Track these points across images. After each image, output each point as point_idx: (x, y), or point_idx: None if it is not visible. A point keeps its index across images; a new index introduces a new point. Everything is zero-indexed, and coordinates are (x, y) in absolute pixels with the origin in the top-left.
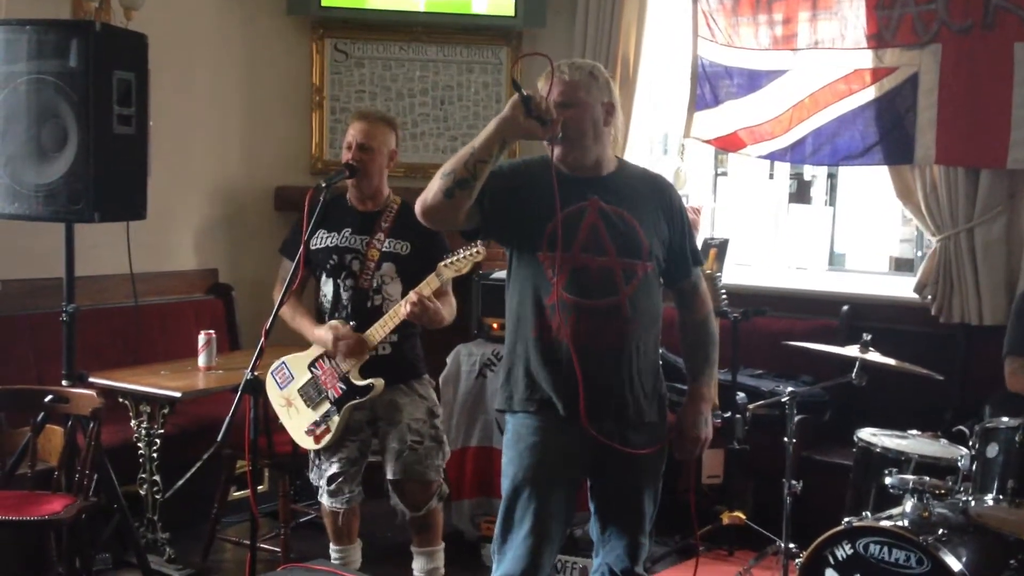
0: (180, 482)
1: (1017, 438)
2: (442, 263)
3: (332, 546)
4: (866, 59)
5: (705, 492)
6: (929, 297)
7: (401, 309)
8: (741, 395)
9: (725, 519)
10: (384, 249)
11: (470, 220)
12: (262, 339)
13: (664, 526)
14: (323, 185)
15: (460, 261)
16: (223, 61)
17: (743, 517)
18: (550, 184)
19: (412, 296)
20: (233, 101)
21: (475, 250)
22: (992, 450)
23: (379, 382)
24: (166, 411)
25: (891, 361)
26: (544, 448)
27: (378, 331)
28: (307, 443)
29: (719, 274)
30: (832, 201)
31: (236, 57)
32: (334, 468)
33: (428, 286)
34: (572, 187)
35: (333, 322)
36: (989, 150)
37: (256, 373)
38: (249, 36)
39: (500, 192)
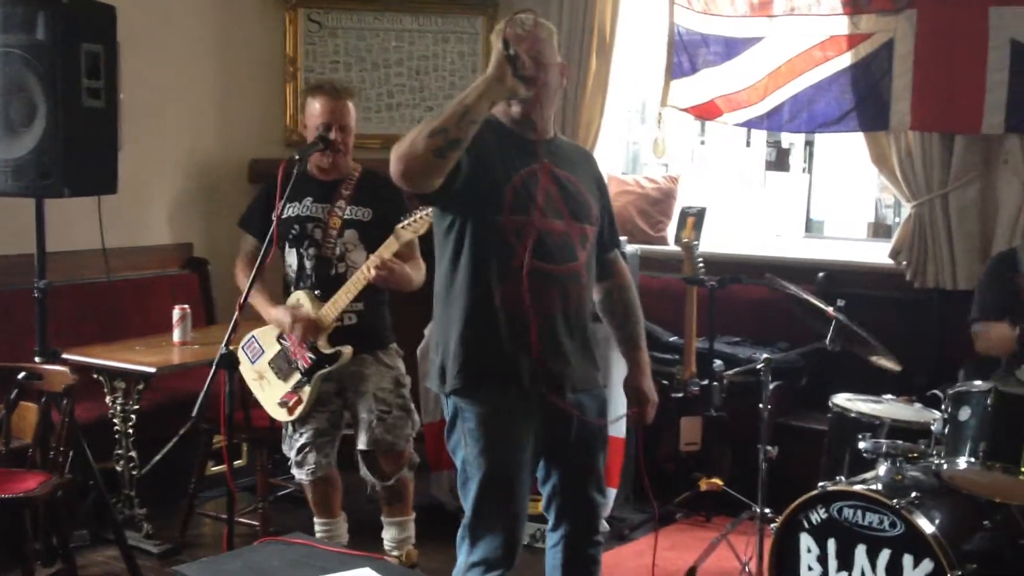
0: (156, 458)
1: (988, 401)
2: (399, 225)
3: (316, 519)
4: (842, 25)
5: (683, 459)
6: (904, 263)
7: (364, 273)
8: (718, 363)
9: (703, 486)
10: (346, 216)
11: (443, 183)
12: (236, 313)
13: (642, 493)
14: (296, 158)
15: (417, 222)
16: (195, 33)
17: (720, 483)
18: (502, 146)
19: (374, 260)
20: (206, 73)
21: (431, 210)
22: (964, 413)
23: (347, 349)
24: (141, 387)
25: (862, 332)
26: (511, 435)
27: (337, 304)
28: (281, 415)
29: (696, 242)
30: (811, 168)
31: (208, 28)
32: (303, 439)
33: (387, 249)
34: (524, 148)
35: (294, 297)
36: (964, 116)
37: (231, 347)
38: (221, 7)
39: (465, 156)
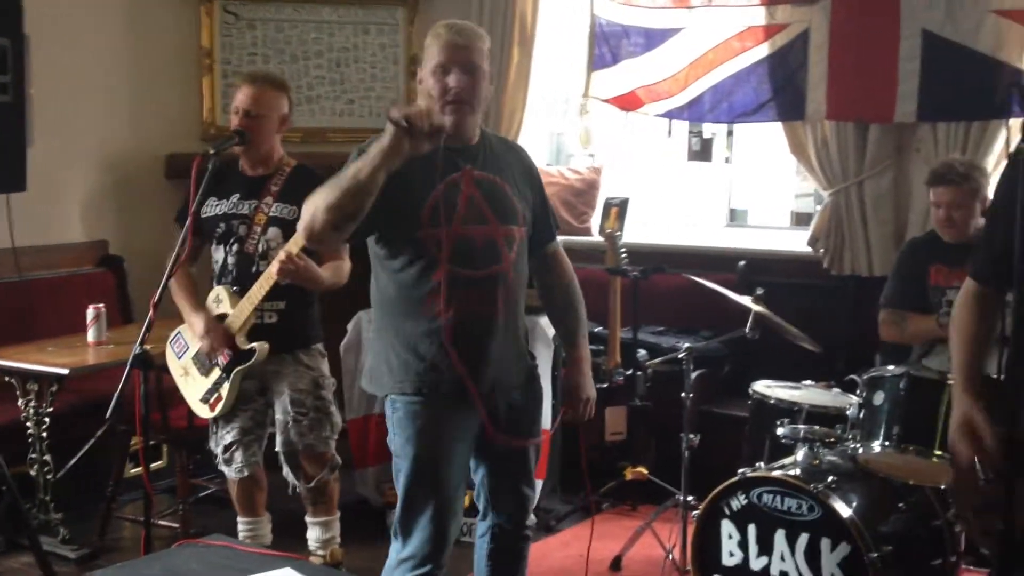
0: (72, 461)
1: (901, 386)
2: None
3: (240, 519)
4: (759, 16)
5: (608, 449)
6: (822, 250)
7: (272, 269)
8: (642, 352)
9: (628, 475)
10: (271, 214)
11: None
12: (151, 312)
13: (569, 484)
14: (210, 153)
15: None
16: (107, 24)
17: (645, 472)
18: (421, 161)
19: (281, 254)
20: (119, 66)
21: None
22: (878, 398)
23: (263, 346)
24: (55, 389)
25: (779, 320)
26: (439, 424)
27: (251, 299)
28: (203, 411)
29: (619, 233)
30: (734, 158)
31: (121, 20)
32: (228, 437)
33: (295, 244)
34: (446, 159)
35: (214, 293)
36: (877, 105)
37: (146, 347)
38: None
39: (377, 197)
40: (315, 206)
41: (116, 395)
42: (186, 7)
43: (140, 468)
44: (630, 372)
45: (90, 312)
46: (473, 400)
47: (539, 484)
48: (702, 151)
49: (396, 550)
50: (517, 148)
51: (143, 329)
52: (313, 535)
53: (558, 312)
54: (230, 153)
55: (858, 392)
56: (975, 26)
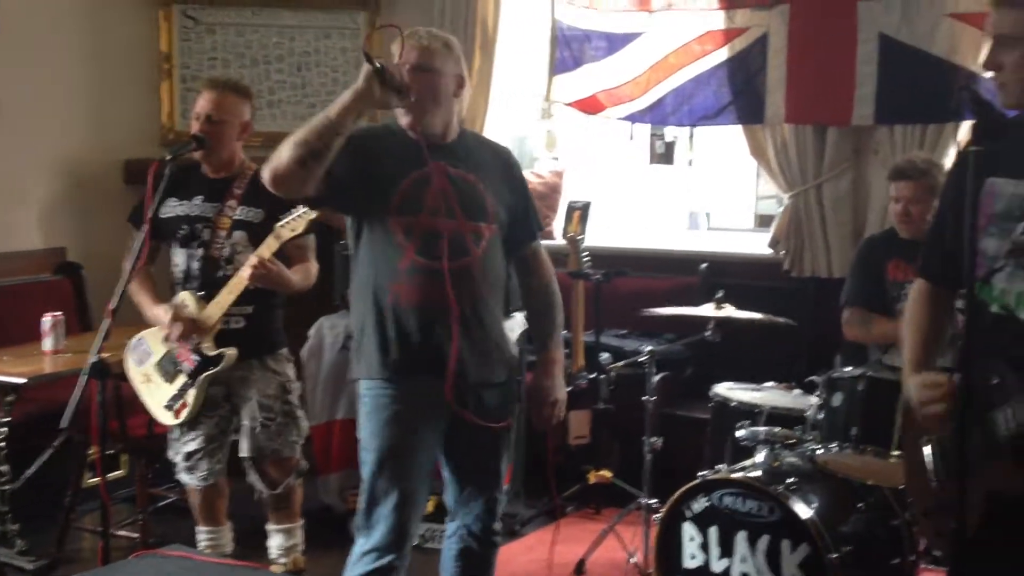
0: (29, 471)
1: (860, 387)
2: (278, 224)
3: (199, 528)
4: (718, 20)
5: (572, 452)
6: (783, 252)
7: (243, 273)
8: (605, 355)
9: (592, 478)
10: (236, 217)
11: (318, 188)
12: (107, 320)
13: (533, 488)
14: (167, 158)
15: (295, 220)
16: (65, 30)
17: (609, 476)
18: (397, 149)
19: (252, 259)
20: (77, 71)
21: (307, 208)
22: (837, 399)
23: (231, 351)
24: (11, 398)
25: (745, 314)
26: (404, 418)
27: (220, 304)
28: (167, 419)
29: (582, 237)
30: (697, 162)
31: (79, 25)
32: (192, 445)
33: (268, 248)
34: (419, 152)
35: (178, 297)
36: (835, 108)
37: (103, 355)
38: (93, 3)
39: (348, 160)
40: (283, 145)
41: (72, 404)
42: (144, 12)
43: (98, 478)
44: (593, 376)
45: (46, 320)
46: (440, 388)
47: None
48: (666, 154)
49: (359, 544)
50: (500, 150)
51: (99, 337)
52: (275, 543)
53: (534, 314)
54: (189, 158)
55: (818, 393)
56: (931, 30)
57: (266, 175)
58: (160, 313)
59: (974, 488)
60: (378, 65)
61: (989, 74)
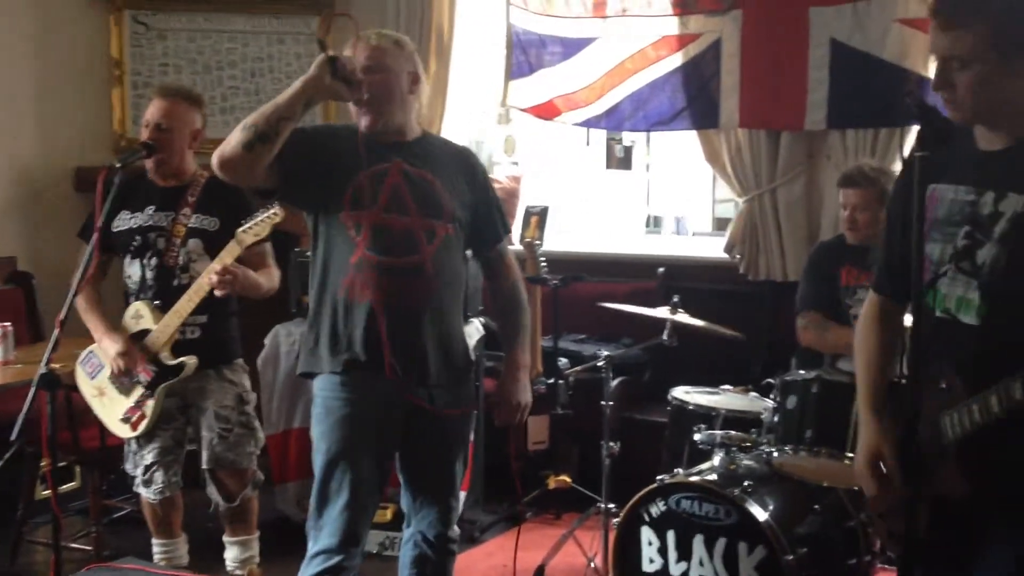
0: None
1: (813, 389)
2: (240, 229)
3: (154, 540)
4: (672, 26)
5: (531, 458)
6: (738, 256)
7: (204, 281)
8: (563, 360)
9: (551, 483)
10: (191, 225)
11: (269, 178)
12: (56, 330)
13: (493, 493)
14: (116, 165)
15: (259, 224)
16: (12, 35)
17: (568, 480)
18: (354, 147)
19: (215, 265)
20: (26, 77)
21: (272, 211)
22: (791, 402)
23: (191, 360)
24: None
25: (695, 321)
26: (355, 419)
27: (179, 313)
28: (124, 432)
29: (539, 242)
30: (654, 166)
31: (27, 30)
32: (148, 458)
33: (229, 254)
34: (376, 150)
35: (133, 308)
36: (788, 113)
37: (52, 366)
38: (40, 8)
39: (302, 152)
40: (233, 131)
41: (21, 416)
42: (95, 17)
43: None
44: (552, 381)
45: None
46: (392, 384)
47: (463, 496)
48: (625, 159)
49: (310, 546)
50: (463, 151)
51: (48, 348)
52: (231, 555)
53: (500, 316)
54: (139, 166)
55: (773, 396)
56: (881, 35)
57: (215, 160)
58: (110, 345)
59: (925, 491)
60: (331, 54)
61: (941, 94)
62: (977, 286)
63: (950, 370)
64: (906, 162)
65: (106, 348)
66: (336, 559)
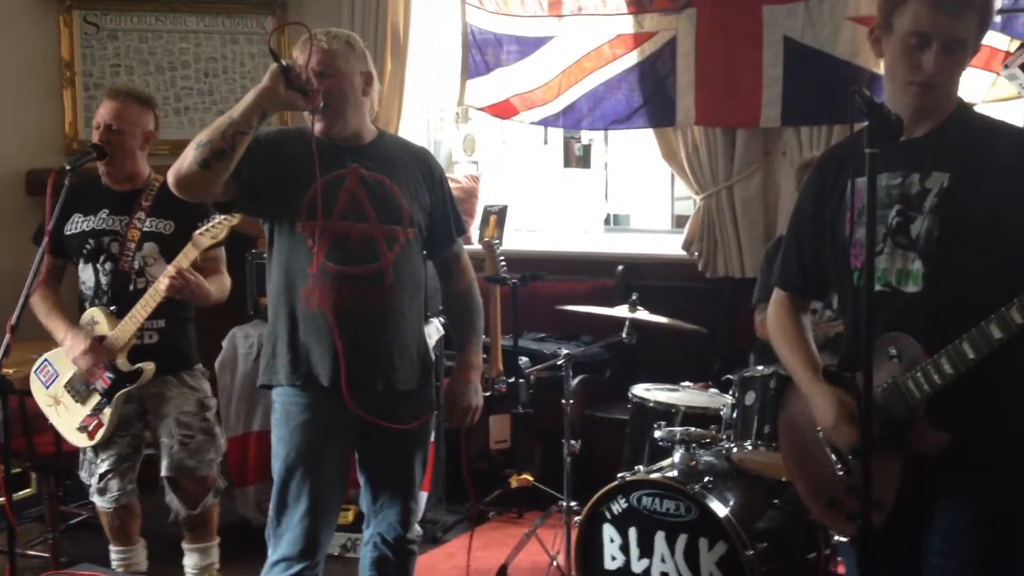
0: None
1: (771, 385)
2: (197, 232)
3: (112, 547)
4: (627, 24)
5: (493, 457)
6: (696, 253)
7: (160, 286)
8: (524, 359)
9: (513, 482)
10: (145, 229)
11: (227, 192)
12: (7, 336)
13: (454, 494)
14: (66, 168)
15: (215, 227)
16: None
17: (531, 479)
18: (309, 154)
19: (171, 269)
20: None
21: (227, 216)
22: (750, 398)
23: (149, 366)
24: None
25: (656, 319)
26: (314, 425)
27: (134, 318)
28: (81, 441)
29: (498, 241)
30: (612, 164)
31: None
32: (104, 466)
33: (186, 258)
34: (332, 155)
35: (88, 314)
36: (743, 110)
37: (5, 371)
38: None
39: (257, 162)
40: (187, 148)
41: None
42: (44, 17)
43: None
44: (512, 380)
45: None
46: (347, 395)
47: (424, 496)
48: (584, 157)
49: (270, 554)
50: (420, 152)
51: None
52: (191, 562)
53: (453, 317)
54: (90, 168)
55: (732, 392)
56: (833, 33)
57: (170, 178)
58: (75, 343)
59: (890, 464)
60: (284, 64)
61: (920, 77)
62: (917, 256)
63: (900, 339)
64: (818, 164)
65: (69, 347)
66: (297, 567)
